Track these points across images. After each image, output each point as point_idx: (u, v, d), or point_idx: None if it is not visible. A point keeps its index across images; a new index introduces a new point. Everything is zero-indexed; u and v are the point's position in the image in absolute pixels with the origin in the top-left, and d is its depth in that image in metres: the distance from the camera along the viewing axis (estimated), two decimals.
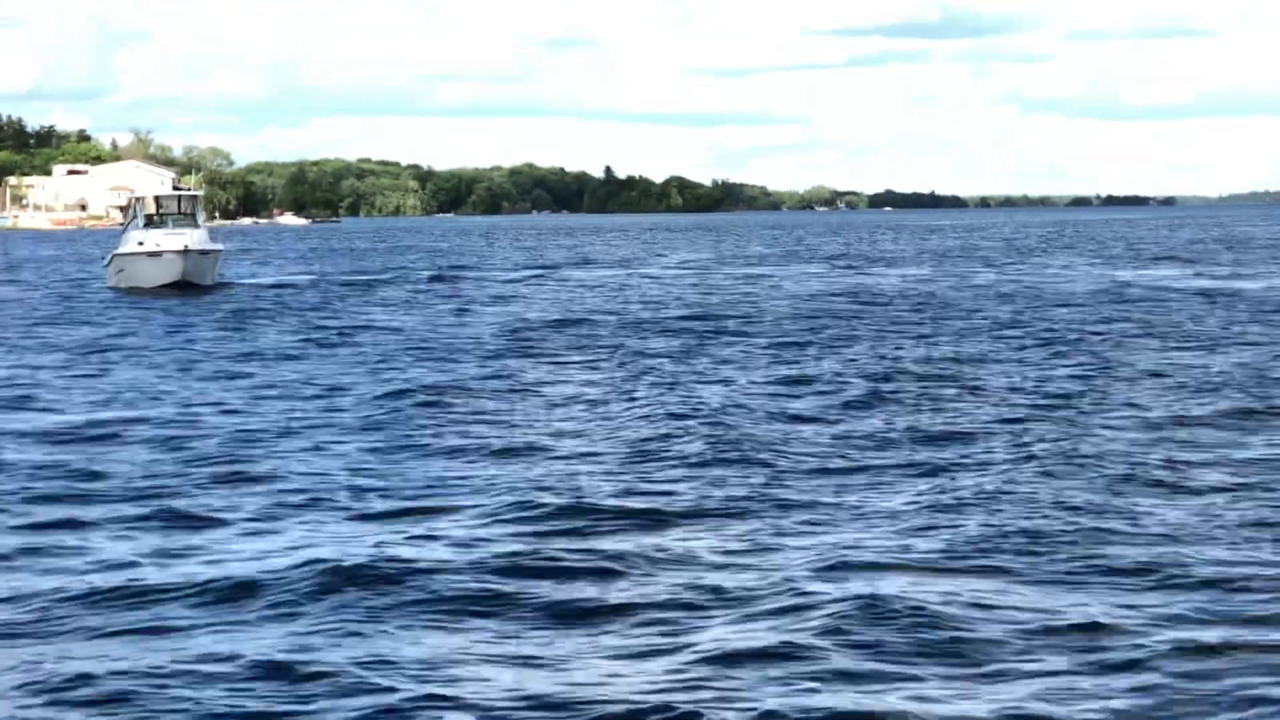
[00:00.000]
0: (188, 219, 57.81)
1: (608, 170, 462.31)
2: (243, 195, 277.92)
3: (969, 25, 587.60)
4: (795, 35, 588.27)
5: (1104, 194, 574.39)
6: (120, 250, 59.03)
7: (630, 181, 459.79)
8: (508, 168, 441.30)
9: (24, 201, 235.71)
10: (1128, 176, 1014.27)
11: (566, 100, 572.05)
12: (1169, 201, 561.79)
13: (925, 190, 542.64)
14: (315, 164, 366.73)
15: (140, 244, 56.89)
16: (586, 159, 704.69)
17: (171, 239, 55.88)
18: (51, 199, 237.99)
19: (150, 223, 57.28)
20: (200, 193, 63.61)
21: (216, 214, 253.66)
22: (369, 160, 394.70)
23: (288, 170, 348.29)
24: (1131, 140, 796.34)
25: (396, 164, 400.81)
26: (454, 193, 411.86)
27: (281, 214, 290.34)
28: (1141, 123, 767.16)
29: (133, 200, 61.08)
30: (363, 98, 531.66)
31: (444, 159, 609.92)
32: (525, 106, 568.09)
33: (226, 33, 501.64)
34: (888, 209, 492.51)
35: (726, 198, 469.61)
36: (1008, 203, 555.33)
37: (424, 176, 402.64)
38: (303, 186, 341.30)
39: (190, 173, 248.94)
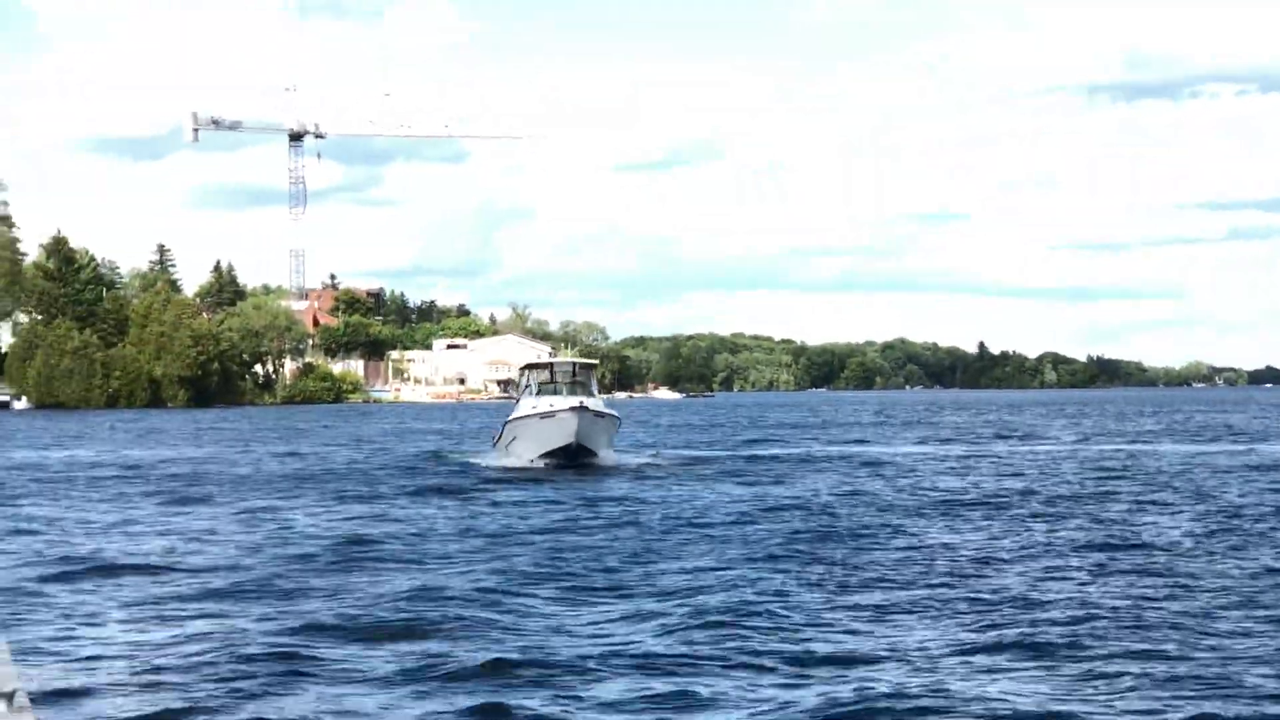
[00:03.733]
0: (582, 386, 54.34)
1: (981, 346, 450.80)
2: (618, 369, 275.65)
3: None
4: (1169, 209, 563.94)
5: None
6: (513, 416, 53.63)
7: (1003, 357, 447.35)
8: (880, 343, 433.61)
9: (405, 375, 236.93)
10: None
11: (939, 275, 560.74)
12: None
13: None
14: (689, 339, 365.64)
15: (534, 407, 51.86)
16: (959, 334, 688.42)
17: (566, 400, 51.20)
18: (431, 373, 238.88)
19: (542, 390, 54.08)
20: (596, 362, 61.96)
21: None
22: (742, 335, 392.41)
23: (662, 345, 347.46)
24: None
25: (769, 338, 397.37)
26: (826, 367, 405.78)
27: (656, 388, 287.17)
28: None
29: (524, 369, 58.21)
30: (735, 272, 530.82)
31: (817, 333, 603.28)
32: (898, 281, 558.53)
33: (603, 209, 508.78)
34: (1268, 385, 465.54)
35: (1101, 374, 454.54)
36: None
37: (797, 351, 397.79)
38: (677, 361, 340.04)
39: (566, 347, 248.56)
